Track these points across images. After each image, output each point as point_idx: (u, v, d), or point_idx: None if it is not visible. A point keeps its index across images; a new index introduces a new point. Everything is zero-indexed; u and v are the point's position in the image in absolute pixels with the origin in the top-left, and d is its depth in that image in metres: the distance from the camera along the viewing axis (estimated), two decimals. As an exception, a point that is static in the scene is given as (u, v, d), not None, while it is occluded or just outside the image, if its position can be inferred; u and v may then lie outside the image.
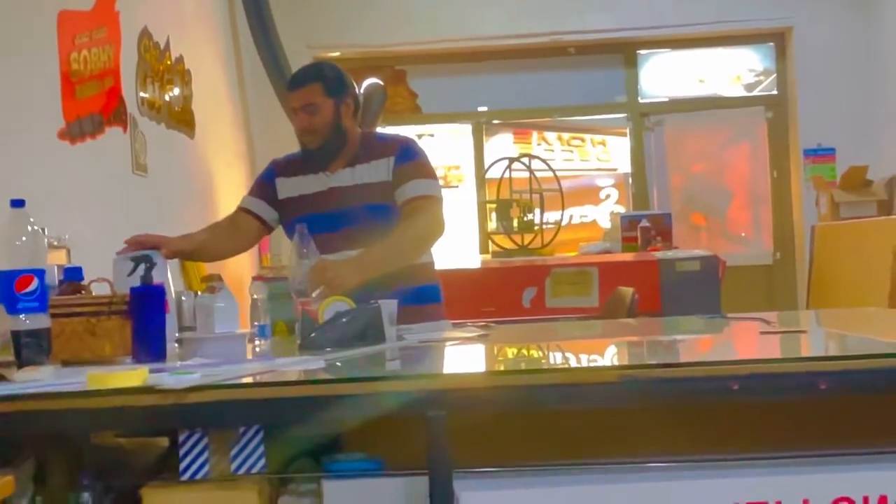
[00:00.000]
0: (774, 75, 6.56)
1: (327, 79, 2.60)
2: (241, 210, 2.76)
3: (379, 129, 2.75)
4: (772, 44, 6.54)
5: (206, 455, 1.46)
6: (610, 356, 2.06)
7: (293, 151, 2.78)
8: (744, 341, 2.10)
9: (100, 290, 2.04)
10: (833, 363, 1.51)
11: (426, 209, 2.56)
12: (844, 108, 6.12)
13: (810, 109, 6.25)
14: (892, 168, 5.80)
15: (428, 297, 2.64)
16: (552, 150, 6.74)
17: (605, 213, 6.69)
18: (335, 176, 2.61)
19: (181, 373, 1.47)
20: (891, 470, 1.49)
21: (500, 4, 6.28)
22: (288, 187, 2.68)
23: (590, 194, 6.74)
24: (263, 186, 2.73)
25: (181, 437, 1.47)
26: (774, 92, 6.55)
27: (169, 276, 2.22)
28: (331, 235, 2.49)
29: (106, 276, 2.10)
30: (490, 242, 5.89)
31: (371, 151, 2.63)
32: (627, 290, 3.70)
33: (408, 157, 2.61)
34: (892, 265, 4.64)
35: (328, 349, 1.98)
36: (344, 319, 2.11)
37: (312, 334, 2.07)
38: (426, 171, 2.62)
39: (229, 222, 2.79)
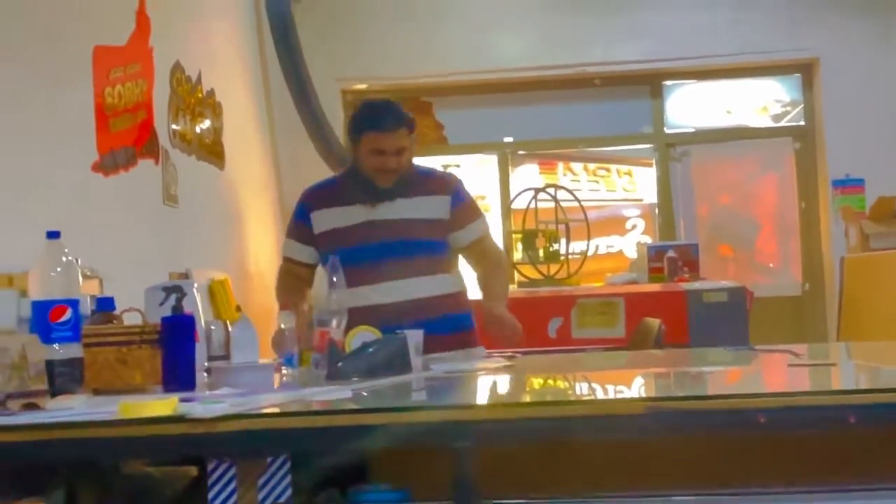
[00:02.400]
0: (801, 106, 6.53)
1: (410, 122, 2.69)
2: (290, 261, 2.80)
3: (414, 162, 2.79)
4: (798, 75, 6.52)
5: (233, 485, 1.47)
6: (636, 388, 2.06)
7: (319, 181, 2.83)
8: (772, 374, 2.08)
9: (131, 319, 2.07)
10: (863, 396, 1.50)
11: (494, 246, 2.87)
12: (873, 138, 6.08)
13: (838, 140, 6.21)
14: (923, 198, 5.75)
15: (466, 325, 2.74)
16: (578, 181, 6.74)
17: (631, 243, 6.67)
18: (375, 209, 2.65)
19: (210, 402, 1.49)
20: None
21: (526, 36, 6.33)
22: (325, 220, 2.71)
23: (616, 224, 6.72)
24: (300, 229, 2.77)
25: (210, 467, 1.48)
26: (802, 123, 6.52)
27: (199, 305, 2.24)
28: (374, 266, 2.59)
29: (137, 306, 2.13)
30: (516, 272, 5.89)
31: (416, 187, 2.69)
32: (654, 321, 3.68)
33: (463, 197, 2.78)
34: (924, 297, 4.59)
35: (355, 379, 1.99)
36: (370, 349, 2.13)
37: (339, 364, 2.08)
38: (479, 210, 2.86)
39: (291, 277, 2.82)
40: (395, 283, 2.60)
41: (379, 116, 2.68)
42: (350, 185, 2.70)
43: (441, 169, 2.98)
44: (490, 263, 2.77)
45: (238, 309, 2.43)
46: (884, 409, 1.44)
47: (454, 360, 2.42)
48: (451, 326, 2.65)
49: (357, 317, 2.48)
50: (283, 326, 2.26)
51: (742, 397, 1.49)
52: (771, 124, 6.62)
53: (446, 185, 2.73)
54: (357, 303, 2.56)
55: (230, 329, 2.24)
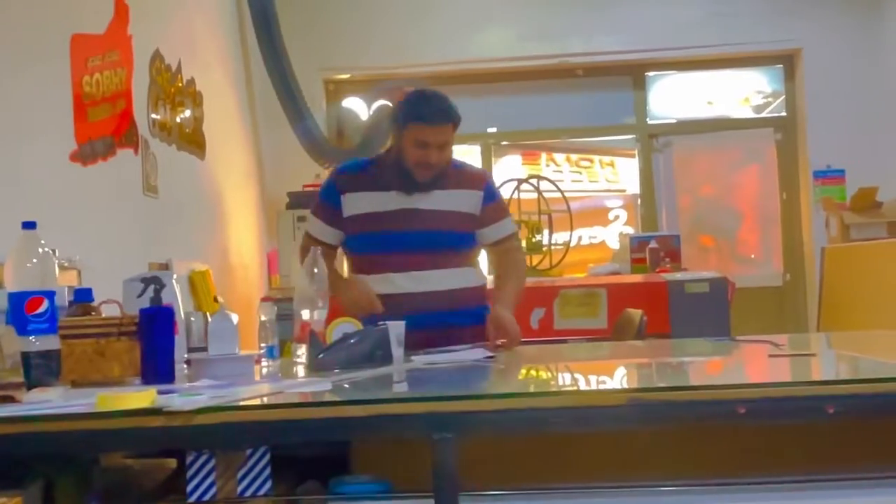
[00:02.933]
0: (783, 97, 6.57)
1: (457, 118, 2.66)
2: (314, 240, 2.72)
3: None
4: (780, 66, 6.56)
5: (213, 477, 1.46)
6: (618, 379, 2.06)
7: (351, 163, 2.81)
8: (752, 364, 2.09)
9: (110, 311, 2.05)
10: (841, 387, 1.50)
11: (519, 246, 2.91)
12: (853, 129, 6.12)
13: (819, 131, 6.25)
14: (902, 189, 5.80)
15: (484, 319, 2.73)
16: (561, 172, 6.75)
17: (613, 234, 6.69)
18: (410, 197, 2.65)
19: (189, 394, 1.48)
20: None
21: (509, 27, 6.32)
22: (355, 203, 2.68)
23: (598, 215, 6.74)
24: (329, 210, 2.72)
25: (189, 459, 1.47)
26: (783, 114, 6.56)
27: (179, 297, 2.23)
28: (405, 254, 2.60)
29: (116, 298, 2.11)
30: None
31: (448, 179, 2.68)
32: (636, 312, 3.68)
33: (494, 195, 2.82)
34: (903, 287, 4.63)
35: (336, 370, 1.98)
36: (352, 341, 2.12)
37: (320, 355, 2.07)
38: (507, 208, 2.90)
39: (328, 258, 2.73)
40: (424, 272, 2.62)
41: (428, 109, 2.63)
42: (387, 170, 2.67)
43: (470, 164, 2.96)
44: (510, 264, 2.79)
45: (216, 300, 2.41)
46: (862, 400, 1.45)
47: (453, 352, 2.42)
48: (473, 319, 2.68)
49: (383, 303, 2.56)
50: (263, 318, 2.25)
51: (723, 388, 1.49)
52: (752, 115, 6.65)
53: (479, 181, 2.76)
54: (384, 289, 2.60)
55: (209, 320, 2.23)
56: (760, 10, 6.24)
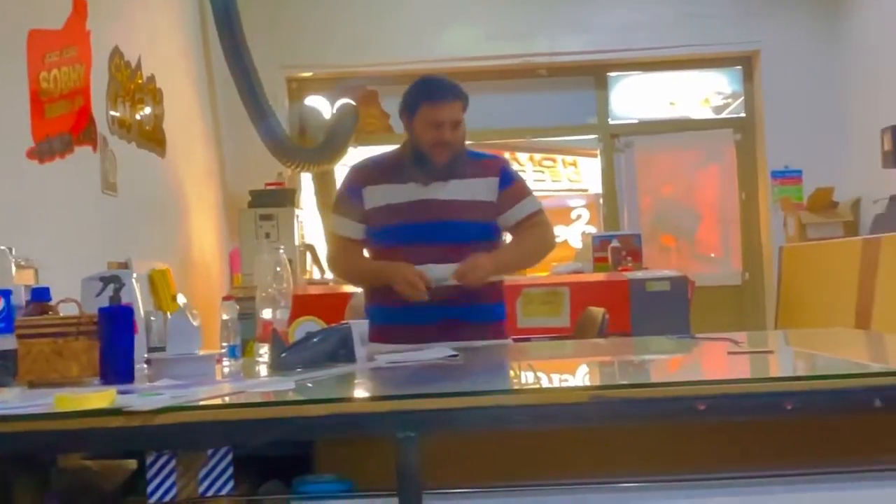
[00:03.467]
0: (742, 98, 6.66)
1: (465, 97, 2.68)
2: (343, 239, 2.73)
3: (468, 146, 2.77)
4: (739, 67, 6.65)
5: (173, 477, 1.45)
6: (580, 377, 2.07)
7: (369, 158, 2.81)
8: (712, 362, 2.12)
9: (68, 310, 2.02)
10: (798, 383, 1.53)
11: (543, 223, 2.74)
12: (811, 130, 6.23)
13: (777, 132, 6.35)
14: (858, 189, 5.91)
15: (500, 315, 2.75)
16: (524, 171, 6.77)
17: (576, 233, 6.73)
18: (428, 188, 2.64)
19: (149, 394, 1.46)
20: (860, 489, 1.51)
21: (473, 26, 6.33)
22: (377, 195, 2.67)
23: (561, 215, 6.78)
24: (352, 206, 2.70)
25: (149, 460, 1.46)
26: (742, 114, 6.65)
27: (138, 296, 2.20)
28: (423, 246, 2.57)
29: (74, 297, 2.08)
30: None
31: (466, 168, 2.68)
32: (598, 311, 3.71)
33: (510, 179, 2.73)
34: (858, 285, 4.72)
35: (299, 369, 1.97)
36: (315, 339, 2.11)
37: (283, 354, 2.06)
38: (528, 189, 2.78)
39: (346, 253, 2.76)
40: (442, 265, 2.56)
41: (435, 89, 2.67)
42: (404, 162, 2.67)
43: (487, 152, 2.94)
44: (530, 234, 2.70)
45: (174, 298, 2.39)
46: (818, 396, 1.48)
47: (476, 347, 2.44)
48: (487, 315, 2.67)
49: (393, 297, 2.54)
50: (224, 317, 2.24)
51: (683, 385, 1.51)
52: (712, 116, 6.74)
53: (495, 167, 2.72)
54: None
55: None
56: (720, 13, 6.33)
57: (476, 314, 2.63)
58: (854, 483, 1.54)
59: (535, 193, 2.78)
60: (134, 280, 2.20)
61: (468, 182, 2.65)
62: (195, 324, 1.97)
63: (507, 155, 6.79)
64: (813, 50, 6.28)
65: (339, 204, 2.77)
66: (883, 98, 5.70)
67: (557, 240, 6.66)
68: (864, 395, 1.47)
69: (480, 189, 2.65)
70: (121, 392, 1.49)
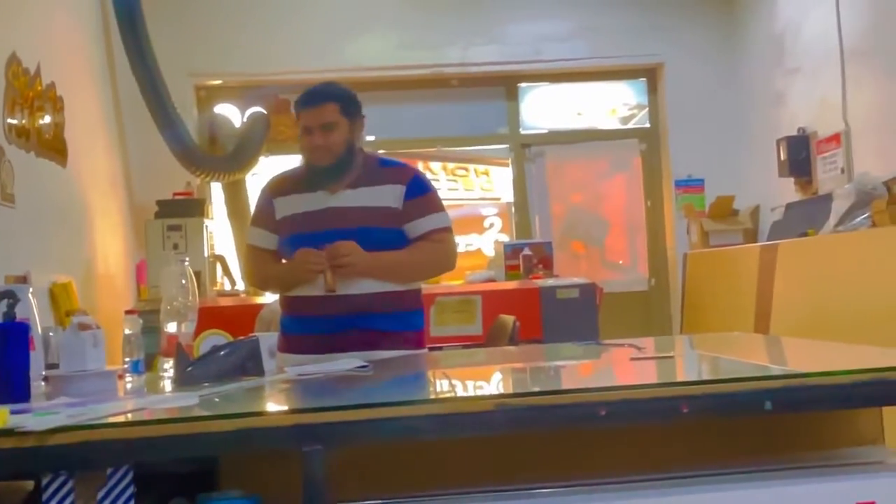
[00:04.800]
0: (647, 109, 6.85)
1: (342, 98, 2.66)
2: (256, 249, 2.75)
3: (379, 153, 2.78)
4: (644, 79, 6.84)
5: (70, 499, 1.41)
6: (486, 385, 2.10)
7: (286, 170, 2.81)
8: (616, 367, 2.17)
9: (-42, 327, 1.94)
10: (693, 388, 1.58)
11: (444, 241, 2.70)
12: (712, 140, 6.45)
13: (680, 142, 6.55)
14: (756, 197, 6.15)
15: (416, 324, 2.73)
16: (437, 180, 6.81)
17: (489, 241, 6.80)
18: (336, 196, 2.64)
19: (44, 413, 1.42)
20: (755, 488, 1.58)
21: (384, 36, 6.34)
22: (285, 205, 2.69)
23: (474, 223, 6.84)
24: (265, 216, 2.73)
25: (44, 481, 1.41)
26: (647, 125, 6.84)
27: (35, 311, 2.13)
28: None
29: (-35, 313, 1.99)
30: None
31: (374, 176, 2.67)
32: (509, 318, 3.76)
33: (420, 189, 2.70)
34: (757, 290, 4.90)
35: (205, 384, 1.94)
36: (221, 353, 2.08)
37: (189, 368, 2.02)
38: (438, 205, 2.74)
39: (260, 262, 2.75)
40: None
41: (305, 95, 2.68)
42: (321, 172, 2.67)
43: (399, 160, 2.93)
44: (424, 248, 2.65)
45: (68, 314, 2.32)
46: (713, 399, 1.53)
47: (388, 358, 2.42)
48: (402, 324, 2.65)
49: (301, 305, 2.54)
50: (127, 331, 2.18)
51: (583, 391, 1.55)
52: (619, 126, 6.91)
53: (402, 175, 2.70)
54: (309, 291, 2.56)
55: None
56: (626, 26, 6.50)
57: (389, 323, 2.62)
58: (749, 483, 1.60)
59: (447, 210, 2.75)
60: (31, 295, 2.12)
61: (375, 189, 2.65)
62: (91, 339, 1.92)
63: (420, 164, 6.82)
64: (713, 63, 6.51)
65: (254, 216, 2.81)
66: (778, 110, 5.95)
67: (471, 248, 6.82)
68: (755, 398, 1.53)
69: (387, 196, 2.65)
70: (14, 412, 1.45)
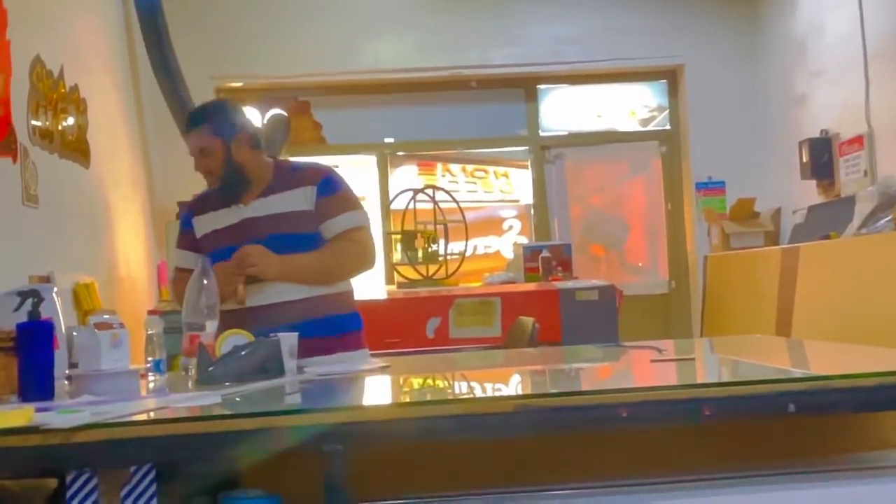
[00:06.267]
0: (667, 111, 6.82)
1: (213, 119, 2.63)
2: (181, 271, 2.75)
3: (293, 159, 2.76)
4: (664, 81, 6.81)
5: (95, 496, 1.42)
6: (507, 386, 2.10)
7: (205, 190, 2.81)
8: (636, 369, 2.17)
9: (-16, 326, 1.96)
10: (716, 389, 1.57)
11: (359, 241, 2.65)
12: (733, 142, 6.41)
13: (701, 144, 6.52)
14: (778, 200, 6.10)
15: (346, 327, 2.68)
16: (456, 182, 6.81)
17: (508, 243, 6.79)
18: (248, 207, 2.64)
19: (69, 411, 1.43)
20: (779, 490, 1.56)
21: (404, 38, 6.35)
22: (203, 224, 2.71)
23: (493, 225, 6.83)
24: (187, 237, 2.77)
25: (69, 479, 1.42)
26: (667, 127, 6.81)
27: (59, 310, 2.15)
28: None
29: (-9, 312, 2.02)
30: (395, 273, 5.91)
31: (285, 181, 2.66)
32: (528, 320, 3.75)
33: (331, 188, 2.64)
34: (779, 293, 4.86)
35: (226, 384, 1.95)
36: (242, 353, 2.09)
37: (210, 368, 2.04)
38: (352, 203, 2.68)
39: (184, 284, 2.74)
40: (269, 283, 2.52)
41: (187, 117, 2.71)
42: (219, 192, 2.69)
43: (315, 162, 2.90)
44: (336, 248, 2.60)
45: (86, 314, 2.34)
46: (736, 402, 1.52)
47: (334, 364, 2.39)
48: (333, 328, 2.60)
49: (231, 320, 2.45)
50: (149, 331, 2.20)
51: (605, 393, 1.54)
52: (639, 128, 6.88)
53: (313, 176, 2.66)
54: (229, 306, 2.51)
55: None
56: (646, 28, 6.47)
57: (321, 328, 2.54)
58: (773, 486, 1.59)
59: (363, 208, 2.72)
60: (55, 294, 2.14)
61: (286, 195, 2.63)
62: (107, 339, 1.93)
63: (439, 166, 6.83)
64: (734, 64, 6.47)
65: (177, 239, 2.85)
66: (800, 112, 5.91)
67: (490, 250, 6.81)
68: (778, 400, 1.52)
69: (298, 199, 2.62)
70: (39, 409, 1.46)
